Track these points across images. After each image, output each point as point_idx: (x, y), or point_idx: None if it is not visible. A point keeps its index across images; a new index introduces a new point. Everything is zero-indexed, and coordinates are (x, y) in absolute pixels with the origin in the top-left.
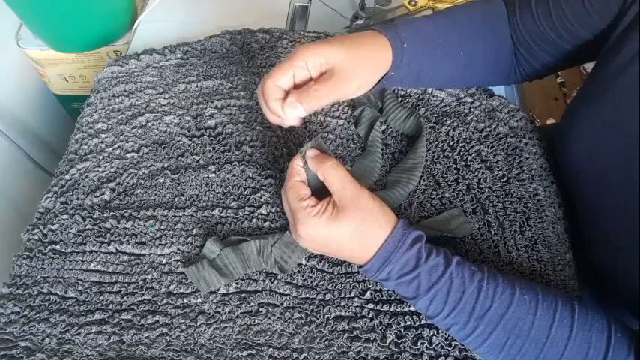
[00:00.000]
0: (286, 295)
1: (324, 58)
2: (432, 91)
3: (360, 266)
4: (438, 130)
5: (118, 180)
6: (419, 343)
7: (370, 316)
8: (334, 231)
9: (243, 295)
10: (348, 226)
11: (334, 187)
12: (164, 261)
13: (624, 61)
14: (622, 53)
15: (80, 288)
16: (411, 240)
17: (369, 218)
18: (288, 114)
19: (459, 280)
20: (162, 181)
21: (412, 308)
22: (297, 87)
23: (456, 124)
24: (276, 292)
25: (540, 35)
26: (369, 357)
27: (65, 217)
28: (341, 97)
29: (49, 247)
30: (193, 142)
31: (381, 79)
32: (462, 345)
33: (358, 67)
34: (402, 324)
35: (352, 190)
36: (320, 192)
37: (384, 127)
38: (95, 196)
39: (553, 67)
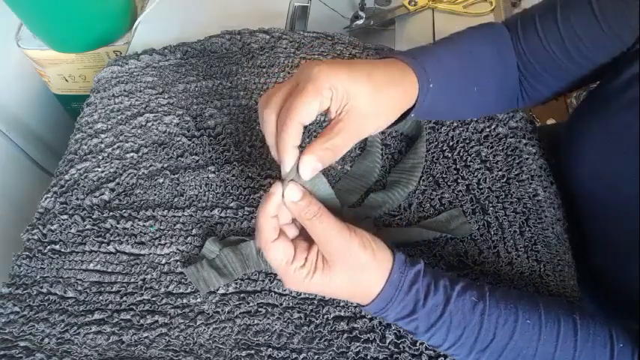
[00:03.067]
0: (285, 295)
1: (347, 93)
2: None
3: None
4: (437, 130)
5: (117, 180)
6: (418, 344)
7: (369, 316)
8: (326, 287)
9: (242, 295)
10: (340, 283)
11: (319, 239)
12: (163, 261)
13: (634, 75)
14: (633, 67)
15: (79, 288)
16: (409, 283)
17: (361, 272)
18: (304, 174)
19: (458, 317)
20: (161, 181)
21: None
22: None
23: (455, 124)
24: (275, 293)
25: (550, 61)
26: (369, 357)
27: (65, 217)
28: (357, 141)
29: (48, 247)
30: (193, 142)
31: (398, 120)
32: None
33: (381, 108)
34: None
35: (340, 243)
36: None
37: None
38: (95, 196)
39: (564, 92)
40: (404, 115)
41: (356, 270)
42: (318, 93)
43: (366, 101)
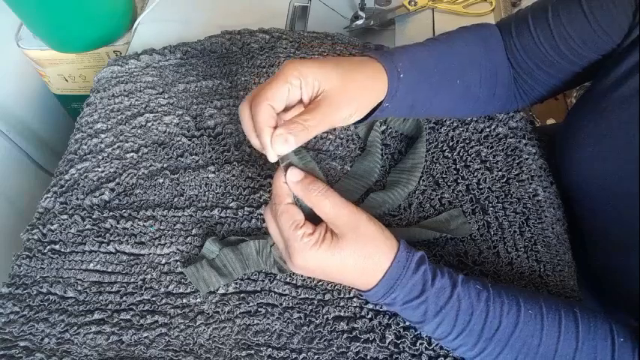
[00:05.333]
0: (285, 295)
1: (317, 81)
2: None
3: (362, 291)
4: (437, 130)
5: (117, 180)
6: (418, 344)
7: (369, 316)
8: (334, 261)
9: (242, 295)
10: (349, 256)
11: (328, 215)
12: (163, 261)
13: (624, 72)
14: (623, 64)
15: (79, 288)
16: (416, 263)
17: (370, 245)
18: (277, 149)
19: (466, 301)
20: (161, 181)
21: None
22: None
23: (455, 124)
24: (275, 293)
25: (543, 58)
26: (368, 357)
27: (64, 217)
28: (331, 126)
29: (48, 247)
30: (193, 142)
31: (374, 111)
32: None
33: (352, 94)
34: (401, 324)
35: (348, 217)
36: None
37: (383, 128)
38: (94, 196)
39: (559, 90)
40: (381, 109)
41: (366, 242)
42: (285, 78)
43: (336, 85)
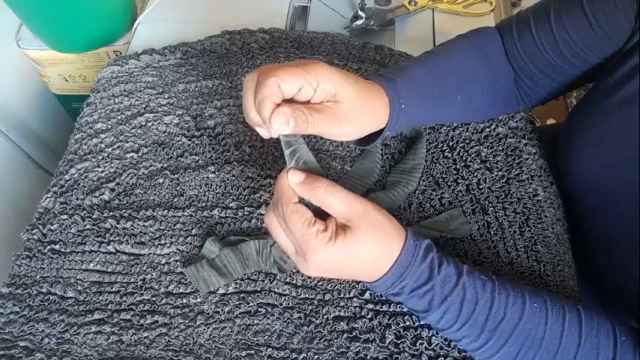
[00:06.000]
0: (285, 295)
1: (333, 90)
2: None
3: (370, 282)
4: (437, 130)
5: (117, 180)
6: (418, 344)
7: (369, 316)
8: (349, 254)
9: (242, 295)
10: (362, 247)
11: (337, 210)
12: (163, 261)
13: (626, 74)
14: (625, 66)
15: (79, 288)
16: (424, 250)
17: (382, 234)
18: (275, 126)
19: (471, 291)
20: (161, 181)
21: None
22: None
23: (455, 124)
24: (275, 293)
25: (544, 61)
26: (368, 357)
27: (64, 217)
28: (326, 135)
29: (48, 247)
30: (193, 142)
31: (375, 136)
32: None
33: (356, 115)
34: (401, 324)
35: (358, 208)
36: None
37: None
38: (94, 196)
39: (560, 93)
40: (378, 135)
41: (377, 231)
42: (303, 74)
43: (349, 101)
